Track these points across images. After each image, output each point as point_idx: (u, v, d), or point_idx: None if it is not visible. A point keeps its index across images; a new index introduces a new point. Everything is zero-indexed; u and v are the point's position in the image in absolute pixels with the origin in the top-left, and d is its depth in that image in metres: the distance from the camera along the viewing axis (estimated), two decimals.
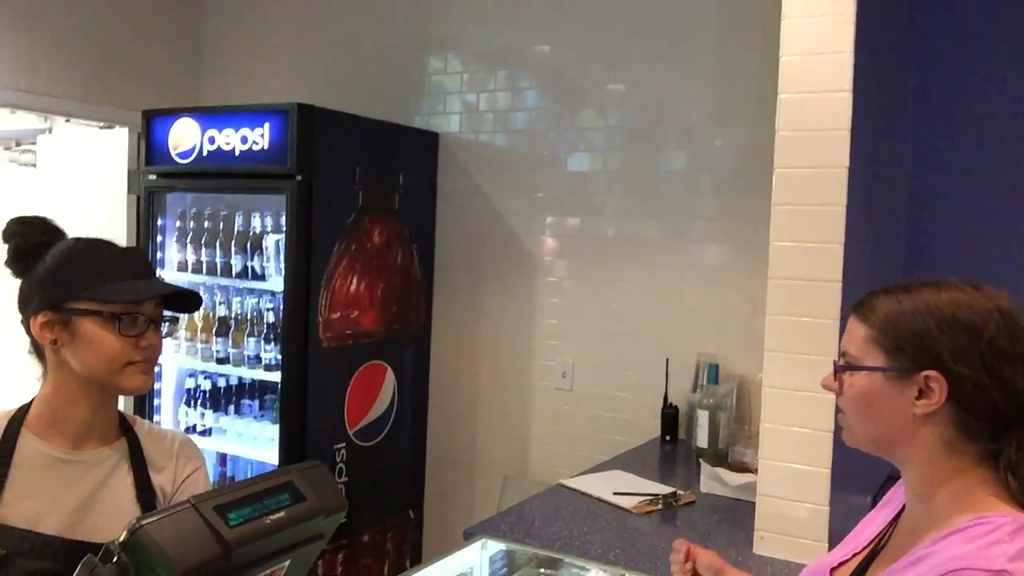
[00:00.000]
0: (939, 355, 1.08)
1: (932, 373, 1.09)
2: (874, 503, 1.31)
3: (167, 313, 1.44)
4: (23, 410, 1.42)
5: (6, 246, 1.41)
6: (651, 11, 3.35)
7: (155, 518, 1.03)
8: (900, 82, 2.93)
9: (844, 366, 1.18)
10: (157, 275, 1.49)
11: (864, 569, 1.20)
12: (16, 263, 1.41)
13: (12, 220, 1.43)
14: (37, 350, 1.42)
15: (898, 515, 1.22)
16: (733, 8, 3.19)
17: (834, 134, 1.99)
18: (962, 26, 3.00)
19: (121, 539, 1.01)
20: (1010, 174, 2.94)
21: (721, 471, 2.57)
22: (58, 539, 1.33)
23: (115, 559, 1.01)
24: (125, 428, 1.48)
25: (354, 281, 3.36)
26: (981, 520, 1.04)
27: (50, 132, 4.23)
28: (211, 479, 1.65)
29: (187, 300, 1.46)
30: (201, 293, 1.50)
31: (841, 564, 1.25)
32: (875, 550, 1.22)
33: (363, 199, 3.37)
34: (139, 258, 1.49)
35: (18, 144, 4.50)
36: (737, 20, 3.18)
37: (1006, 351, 1.08)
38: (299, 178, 3.12)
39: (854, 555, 1.25)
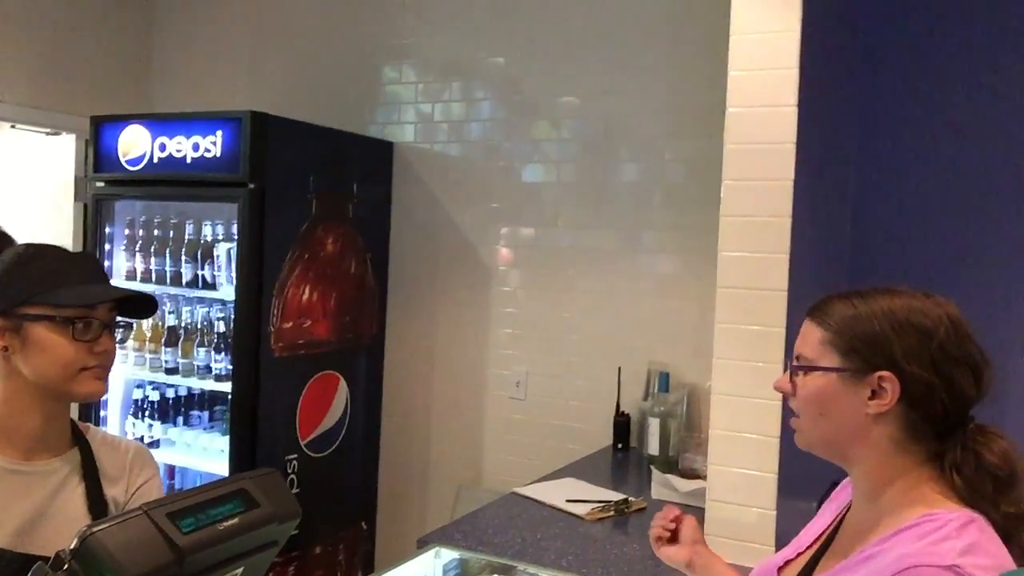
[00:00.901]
0: (892, 356, 1.12)
1: (885, 373, 1.12)
2: (819, 507, 1.35)
3: (121, 319, 1.43)
4: None
5: None
6: (604, 25, 3.40)
7: (106, 525, 1.01)
8: (845, 95, 3.02)
9: (800, 366, 1.20)
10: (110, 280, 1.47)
11: (812, 568, 1.23)
12: None
13: None
14: None
15: (844, 514, 1.26)
16: (684, 23, 3.25)
17: (780, 147, 2.04)
18: (905, 41, 3.10)
19: (72, 546, 0.99)
20: (951, 187, 3.03)
21: (672, 477, 2.61)
22: (8, 552, 1.31)
23: (66, 567, 0.99)
24: (78, 437, 1.45)
25: (307, 290, 3.34)
26: (928, 517, 1.08)
27: None
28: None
29: (142, 305, 1.44)
30: None
31: (787, 563, 1.28)
32: (822, 548, 1.25)
33: (316, 208, 3.36)
34: (91, 262, 1.47)
35: None
36: (687, 35, 3.24)
37: (954, 355, 1.12)
38: (252, 186, 3.10)
39: (799, 554, 1.28)
